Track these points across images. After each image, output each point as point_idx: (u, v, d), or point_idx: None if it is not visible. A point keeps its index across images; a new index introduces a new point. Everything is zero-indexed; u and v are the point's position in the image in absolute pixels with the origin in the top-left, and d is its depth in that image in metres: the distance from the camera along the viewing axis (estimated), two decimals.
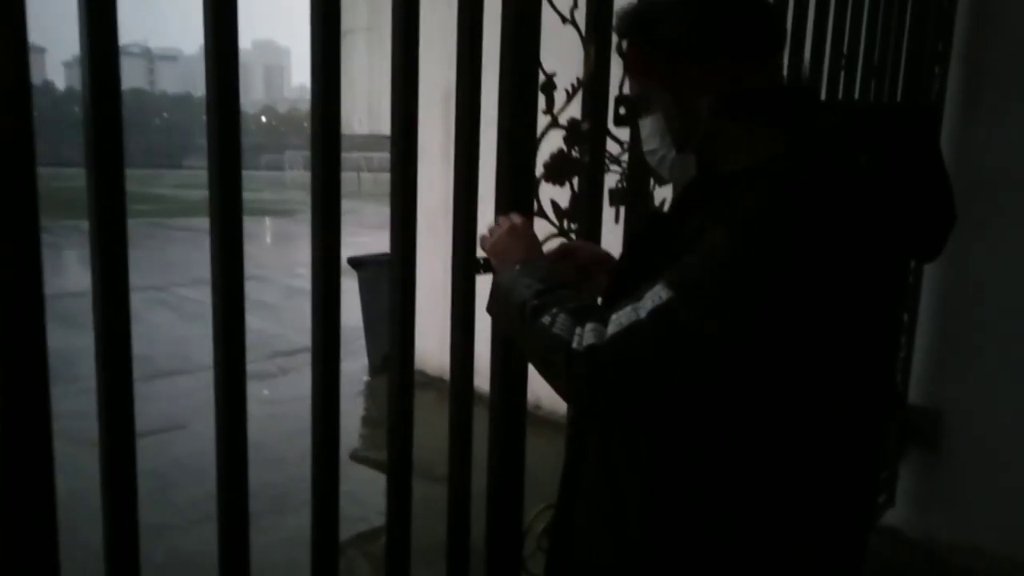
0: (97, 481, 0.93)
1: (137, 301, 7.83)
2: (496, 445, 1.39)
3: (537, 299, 0.90)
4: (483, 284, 1.31)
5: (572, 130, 1.39)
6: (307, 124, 1.05)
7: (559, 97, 1.36)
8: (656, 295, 0.81)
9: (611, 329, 0.81)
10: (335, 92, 1.07)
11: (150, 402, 4.84)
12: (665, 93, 0.99)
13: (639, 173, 1.50)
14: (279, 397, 4.89)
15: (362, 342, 5.67)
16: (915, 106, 1.10)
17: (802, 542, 0.91)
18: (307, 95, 1.09)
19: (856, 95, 2.22)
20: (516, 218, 1.12)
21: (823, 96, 2.03)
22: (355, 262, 5.49)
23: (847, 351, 0.87)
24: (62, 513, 0.85)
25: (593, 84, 1.40)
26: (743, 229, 0.81)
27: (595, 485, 1.01)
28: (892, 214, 0.87)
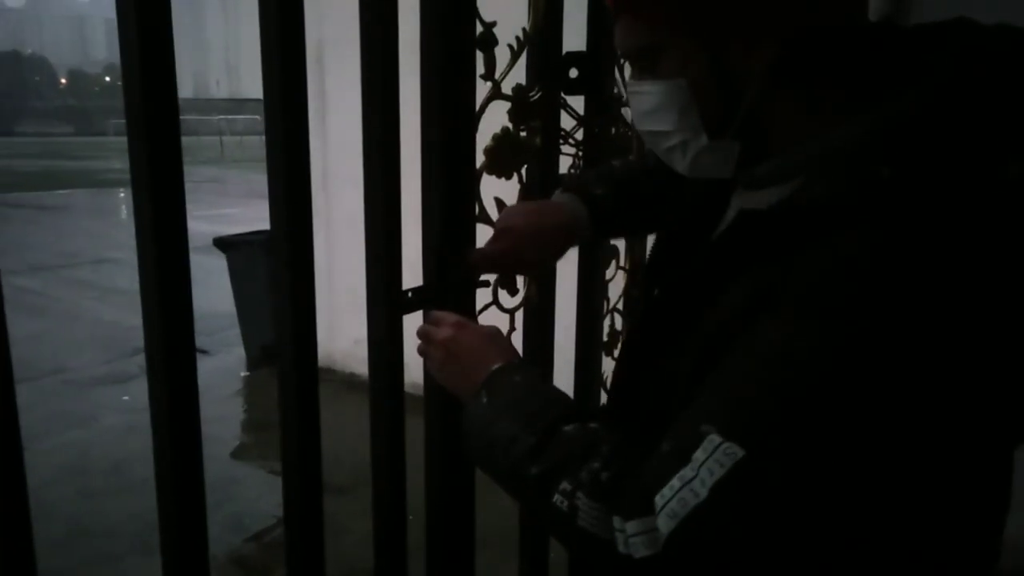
0: None
1: None
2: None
3: (535, 464, 0.67)
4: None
5: (519, 101, 1.02)
6: None
7: (500, 56, 0.99)
8: (713, 458, 0.56)
9: (664, 524, 0.57)
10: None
11: None
12: (696, 46, 0.65)
13: (596, 153, 1.18)
14: (142, 403, 4.26)
15: (236, 331, 5.10)
16: None
17: None
18: None
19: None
20: (446, 326, 0.85)
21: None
22: (224, 243, 4.88)
23: (989, 423, 0.61)
24: None
25: (543, 37, 1.05)
26: (831, 321, 0.55)
27: None
28: None
